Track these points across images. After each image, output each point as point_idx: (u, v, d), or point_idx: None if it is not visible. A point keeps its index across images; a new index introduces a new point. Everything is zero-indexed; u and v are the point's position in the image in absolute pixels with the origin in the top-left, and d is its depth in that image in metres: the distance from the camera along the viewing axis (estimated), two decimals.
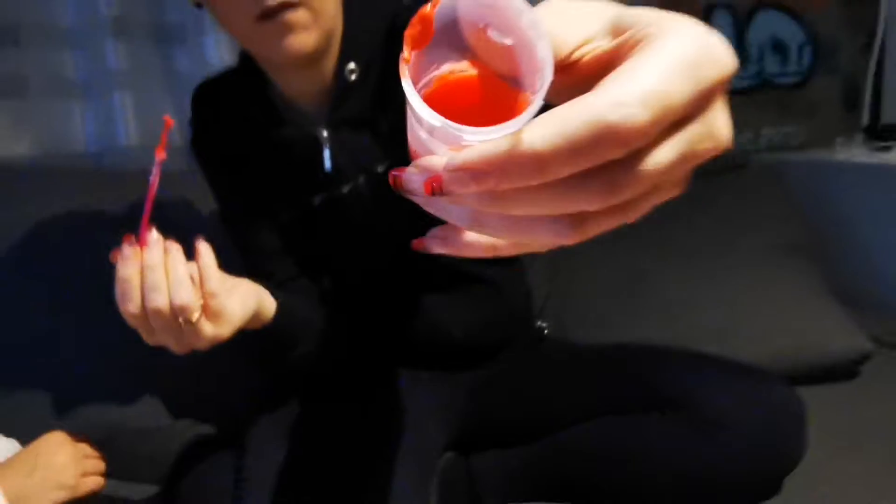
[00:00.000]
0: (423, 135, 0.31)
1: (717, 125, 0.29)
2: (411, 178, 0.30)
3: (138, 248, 0.66)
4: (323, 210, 0.94)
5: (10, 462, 0.79)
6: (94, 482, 0.85)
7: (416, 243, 0.39)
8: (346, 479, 0.83)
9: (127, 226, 1.07)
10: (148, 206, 0.66)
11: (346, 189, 0.92)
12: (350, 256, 0.97)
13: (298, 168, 0.93)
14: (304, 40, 0.81)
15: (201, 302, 0.67)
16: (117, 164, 1.46)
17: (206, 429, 1.07)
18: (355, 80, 0.90)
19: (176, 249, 0.67)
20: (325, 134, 0.92)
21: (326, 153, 0.92)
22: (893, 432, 1.08)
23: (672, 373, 0.93)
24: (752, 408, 0.87)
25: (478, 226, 0.31)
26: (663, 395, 0.91)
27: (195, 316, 0.66)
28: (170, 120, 0.69)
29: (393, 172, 0.31)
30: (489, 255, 0.35)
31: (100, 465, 0.87)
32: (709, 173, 1.79)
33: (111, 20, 1.46)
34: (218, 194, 0.99)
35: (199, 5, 0.87)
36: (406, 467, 0.90)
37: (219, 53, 1.50)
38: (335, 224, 0.95)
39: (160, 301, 0.64)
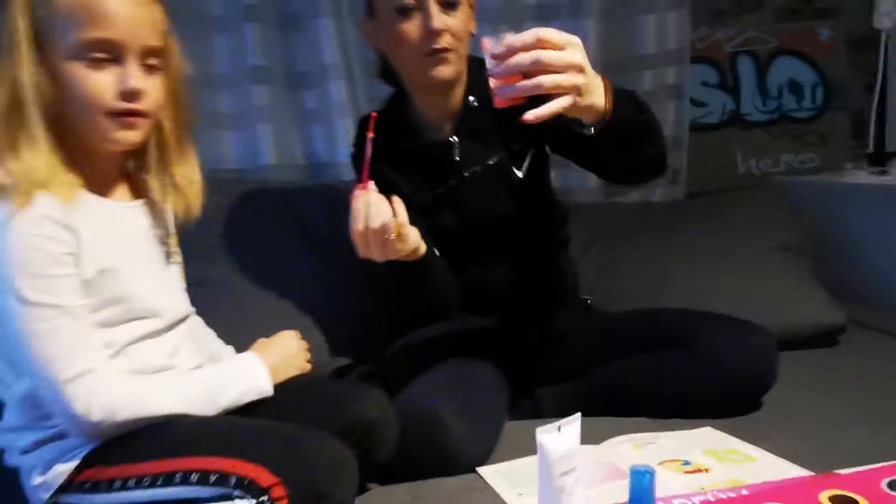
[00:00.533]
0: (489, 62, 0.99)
1: (577, 56, 0.98)
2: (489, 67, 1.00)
3: (365, 190, 1.07)
4: (450, 190, 1.36)
5: (260, 347, 1.17)
6: (311, 367, 1.23)
7: (523, 119, 0.98)
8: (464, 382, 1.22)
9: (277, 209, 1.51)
10: (366, 166, 1.08)
11: (467, 173, 1.35)
12: (465, 224, 1.37)
13: (434, 162, 1.36)
14: (449, 70, 1.30)
15: (396, 227, 1.07)
16: (260, 177, 1.89)
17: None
18: (475, 107, 1.35)
19: (382, 196, 1.08)
20: (454, 139, 1.36)
21: (456, 150, 1.36)
22: (858, 382, 1.42)
23: (680, 322, 1.30)
24: (736, 347, 1.23)
25: (523, 90, 0.97)
26: (674, 338, 1.27)
27: (392, 235, 1.06)
28: (374, 114, 1.12)
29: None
30: (545, 115, 0.98)
31: (310, 355, 1.24)
32: (731, 190, 2.13)
33: (255, 69, 1.90)
34: None
35: (377, 50, 1.38)
36: (498, 392, 1.29)
37: (339, 96, 1.92)
38: (457, 200, 1.37)
39: (375, 223, 1.05)
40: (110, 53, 0.93)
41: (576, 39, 0.99)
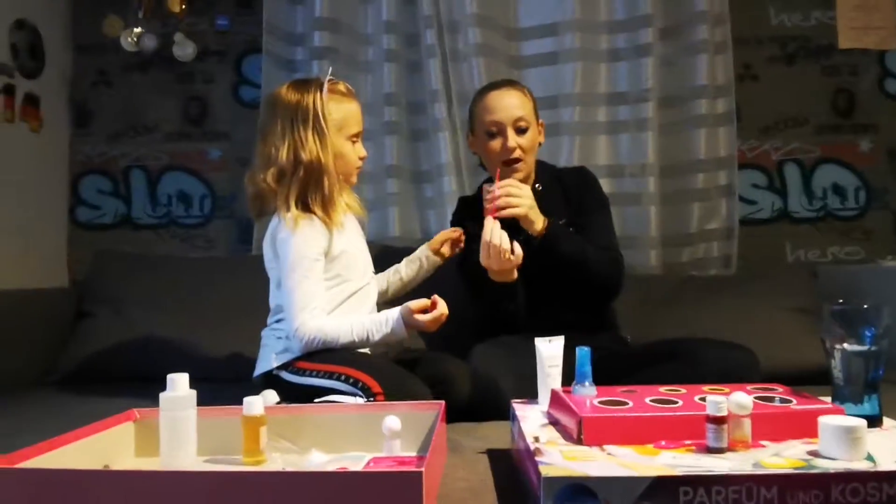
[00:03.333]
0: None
1: (525, 197, 1.76)
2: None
3: (495, 220, 1.68)
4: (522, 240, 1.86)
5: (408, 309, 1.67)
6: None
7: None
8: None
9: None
10: (495, 203, 1.70)
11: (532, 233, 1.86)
12: (529, 271, 1.84)
13: (511, 221, 1.85)
14: (520, 174, 1.88)
15: (517, 259, 1.66)
16: (388, 244, 2.50)
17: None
18: (539, 190, 1.90)
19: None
20: None
21: None
22: None
23: (684, 342, 1.74)
24: (719, 355, 1.64)
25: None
26: (678, 353, 1.70)
27: (507, 255, 1.64)
28: (499, 169, 1.79)
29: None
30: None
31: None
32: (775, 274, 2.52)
33: (390, 167, 2.57)
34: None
35: (476, 153, 1.99)
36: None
37: (449, 188, 2.54)
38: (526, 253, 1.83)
39: (498, 242, 1.63)
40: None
41: (526, 188, 1.77)
